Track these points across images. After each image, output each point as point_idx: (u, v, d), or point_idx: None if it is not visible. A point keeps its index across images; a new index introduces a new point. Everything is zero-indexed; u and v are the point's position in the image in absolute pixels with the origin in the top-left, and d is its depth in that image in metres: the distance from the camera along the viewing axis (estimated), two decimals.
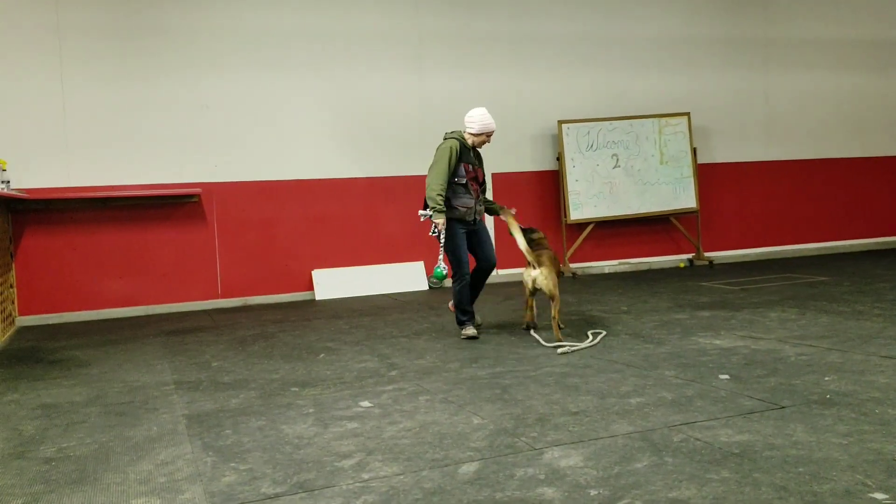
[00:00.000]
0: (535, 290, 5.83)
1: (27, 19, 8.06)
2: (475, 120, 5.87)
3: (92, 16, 8.27)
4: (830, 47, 11.57)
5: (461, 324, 6.06)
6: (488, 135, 5.92)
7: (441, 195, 5.75)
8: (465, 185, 5.87)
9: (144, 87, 8.46)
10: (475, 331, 5.98)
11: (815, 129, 11.56)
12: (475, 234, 6.06)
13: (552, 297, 5.66)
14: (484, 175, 6.11)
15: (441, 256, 5.79)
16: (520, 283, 6.51)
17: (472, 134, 5.93)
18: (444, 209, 5.79)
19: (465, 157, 5.87)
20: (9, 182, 7.64)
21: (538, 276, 5.70)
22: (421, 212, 5.90)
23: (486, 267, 6.09)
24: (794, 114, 11.46)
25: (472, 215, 5.95)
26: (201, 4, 8.67)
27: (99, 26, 8.29)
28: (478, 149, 6.06)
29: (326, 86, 9.18)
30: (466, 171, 5.88)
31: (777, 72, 11.33)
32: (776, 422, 3.51)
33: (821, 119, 11.59)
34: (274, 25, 8.93)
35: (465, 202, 5.89)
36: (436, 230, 5.81)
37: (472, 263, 6.09)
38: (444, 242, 5.82)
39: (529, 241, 5.84)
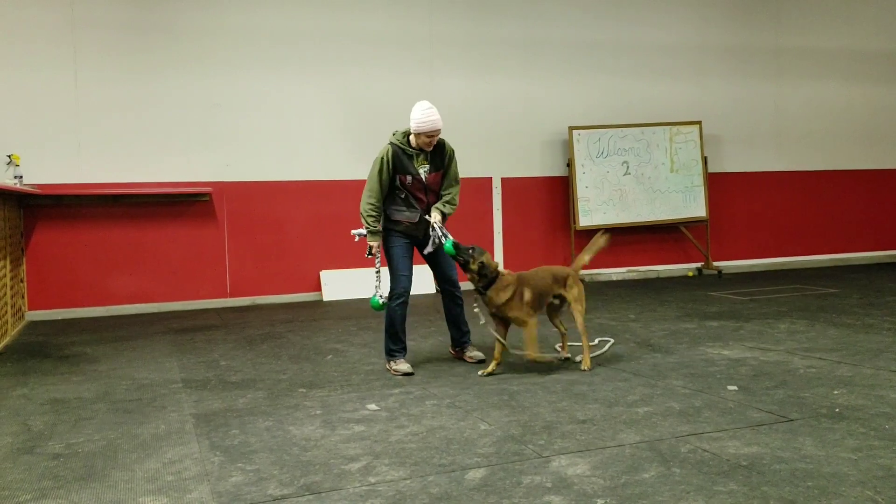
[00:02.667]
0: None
1: (42, 17, 8.10)
2: (412, 117, 4.93)
3: (106, 13, 8.31)
4: (842, 57, 11.53)
5: (390, 354, 5.12)
6: (429, 135, 4.92)
7: (372, 214, 5.02)
8: (405, 199, 5.07)
9: (157, 85, 8.50)
10: (408, 366, 5.03)
11: (826, 140, 11.52)
12: (431, 252, 5.14)
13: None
14: (444, 178, 5.14)
15: (377, 284, 5.11)
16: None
17: (413, 134, 5.01)
18: (377, 229, 5.05)
19: (402, 165, 4.99)
20: (21, 177, 7.70)
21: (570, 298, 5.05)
22: (353, 231, 5.20)
23: (448, 290, 5.28)
24: (805, 124, 11.43)
25: (419, 231, 5.11)
26: (215, 4, 8.70)
27: (113, 24, 8.34)
28: (426, 149, 5.04)
29: (338, 87, 9.20)
30: (403, 182, 5.03)
31: (788, 81, 11.30)
32: (785, 435, 3.50)
33: (832, 129, 11.54)
34: (287, 26, 8.96)
35: (407, 216, 5.08)
36: (370, 252, 5.10)
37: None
38: (379, 258, 5.13)
39: (489, 266, 4.83)
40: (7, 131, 7.93)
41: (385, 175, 5.03)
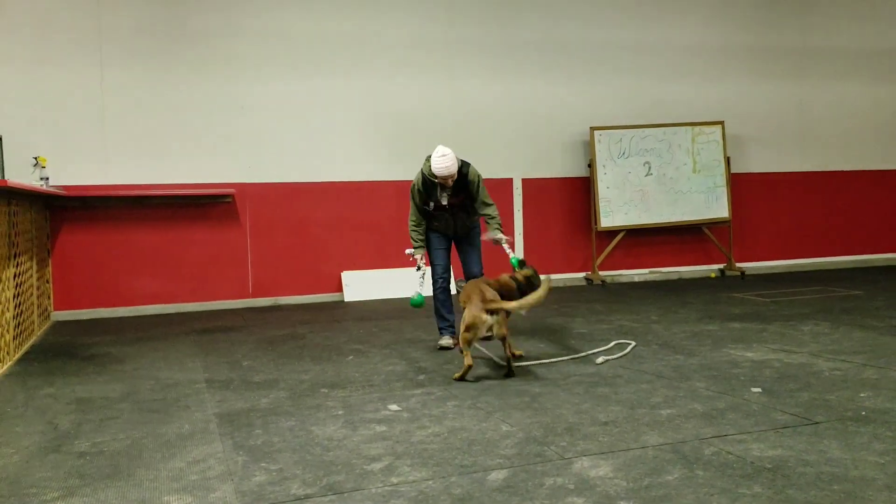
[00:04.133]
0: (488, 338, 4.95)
1: (69, 20, 8.21)
2: (430, 162, 5.60)
3: (132, 17, 8.41)
4: (867, 57, 11.39)
5: (439, 331, 6.05)
6: (443, 178, 5.56)
7: (416, 231, 5.84)
8: (433, 215, 5.84)
9: (182, 88, 8.58)
10: (448, 341, 5.87)
11: (850, 140, 11.39)
12: (459, 243, 5.97)
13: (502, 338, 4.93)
14: (469, 195, 5.76)
15: (419, 285, 5.71)
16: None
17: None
18: (421, 245, 5.84)
19: (428, 193, 5.73)
20: (48, 179, 7.80)
21: (493, 322, 4.80)
22: (408, 251, 5.95)
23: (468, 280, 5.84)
24: (829, 124, 11.30)
25: (450, 230, 5.88)
26: (240, 8, 8.77)
27: (139, 27, 8.43)
28: (445, 185, 5.66)
29: (360, 90, 9.23)
30: (427, 205, 5.79)
31: (813, 81, 11.19)
32: (810, 437, 3.46)
33: (857, 130, 11.41)
34: (310, 30, 9.01)
35: (439, 225, 5.87)
36: (419, 266, 5.82)
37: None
38: (424, 266, 5.87)
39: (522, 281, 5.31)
40: (34, 133, 8.05)
41: (419, 199, 5.81)
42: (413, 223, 5.87)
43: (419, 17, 9.45)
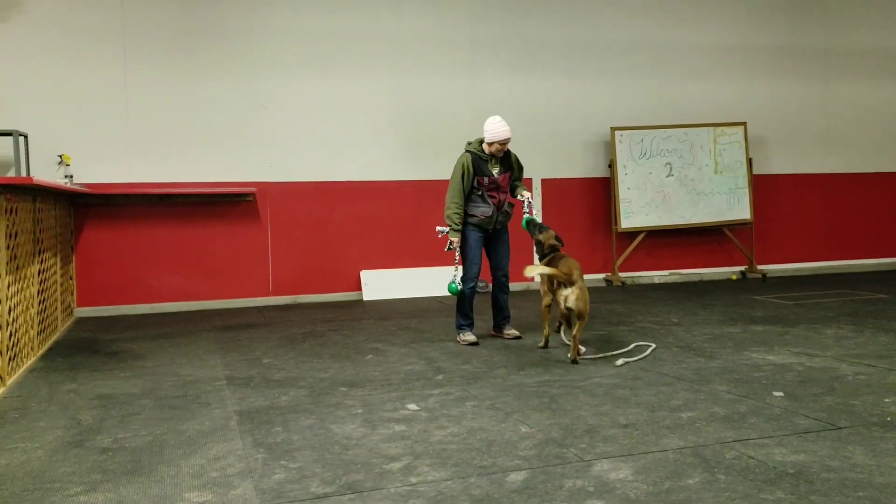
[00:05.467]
0: (568, 311, 5.31)
1: (93, 19, 8.29)
2: (486, 129, 5.95)
3: (155, 16, 8.48)
4: (893, 57, 11.25)
5: (459, 328, 6.19)
6: (501, 143, 5.93)
7: (457, 213, 5.97)
8: (481, 196, 6.01)
9: (204, 87, 8.64)
10: (474, 337, 6.09)
11: (875, 141, 11.25)
12: (491, 240, 6.16)
13: (581, 316, 5.25)
14: (513, 177, 6.15)
15: (455, 273, 5.99)
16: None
17: (486, 143, 6.01)
18: (460, 228, 5.98)
19: (480, 168, 5.98)
20: (72, 176, 7.88)
21: (570, 294, 5.25)
22: (439, 228, 6.07)
23: (497, 276, 6.18)
24: (853, 125, 11.17)
25: (490, 224, 6.06)
26: (261, 7, 8.82)
27: (161, 26, 8.49)
28: (497, 155, 6.02)
29: (380, 89, 9.25)
30: (481, 182, 5.99)
31: (837, 81, 11.06)
32: (833, 443, 3.42)
33: (882, 131, 11.26)
34: (330, 28, 9.03)
35: (483, 211, 6.01)
36: (451, 246, 5.99)
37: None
38: (459, 250, 6.07)
39: (544, 244, 5.80)
40: (58, 132, 8.13)
41: (467, 178, 5.98)
42: (456, 205, 5.97)
43: (441, 17, 9.45)
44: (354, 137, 9.17)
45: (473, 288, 6.10)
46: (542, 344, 5.81)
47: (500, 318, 6.27)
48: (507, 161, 6.12)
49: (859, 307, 7.49)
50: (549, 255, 5.72)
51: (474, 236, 6.06)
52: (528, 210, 6.06)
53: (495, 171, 6.03)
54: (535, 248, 5.97)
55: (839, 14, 11.03)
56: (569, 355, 5.33)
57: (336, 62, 9.07)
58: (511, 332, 6.25)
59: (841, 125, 11.11)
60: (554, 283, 5.42)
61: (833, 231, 11.09)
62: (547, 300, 5.65)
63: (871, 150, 11.24)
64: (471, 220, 6.04)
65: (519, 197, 6.14)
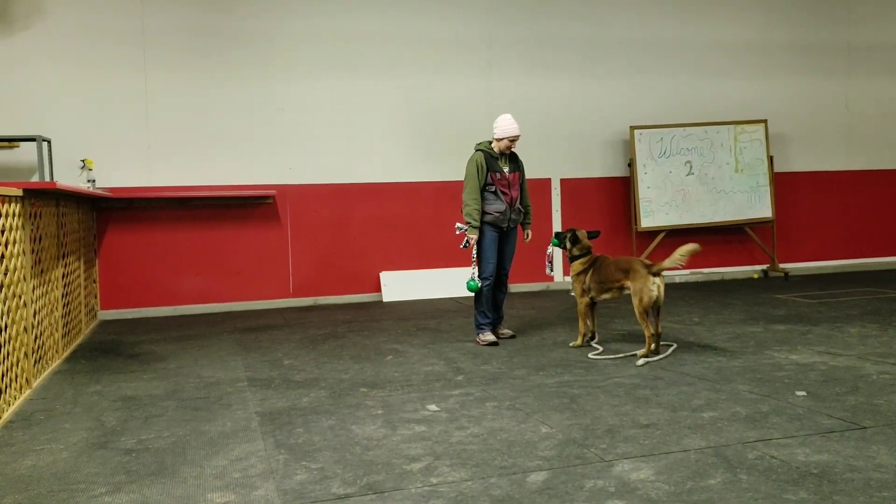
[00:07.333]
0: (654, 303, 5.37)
1: (114, 24, 8.38)
2: (497, 125, 6.12)
3: (175, 20, 8.55)
4: None
5: (479, 328, 6.24)
6: (511, 139, 6.08)
7: (477, 209, 6.07)
8: (494, 192, 6.11)
9: (224, 90, 8.71)
10: (494, 337, 6.18)
11: None
12: (502, 241, 6.26)
13: (658, 309, 5.39)
14: (521, 178, 6.29)
15: (474, 271, 6.11)
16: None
17: (496, 140, 6.14)
18: (479, 226, 6.08)
19: (491, 166, 6.12)
20: (94, 181, 7.98)
21: (662, 285, 5.37)
22: (458, 225, 6.21)
23: (498, 274, 6.26)
24: (876, 122, 11.04)
25: (504, 221, 6.16)
26: (279, 10, 8.87)
27: (181, 30, 8.57)
28: (506, 153, 6.18)
29: (398, 90, 9.27)
30: (494, 179, 6.11)
31: (859, 78, 10.93)
32: (857, 442, 3.39)
33: None
34: (348, 31, 9.07)
35: (497, 207, 6.11)
36: (468, 243, 6.10)
37: None
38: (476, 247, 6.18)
39: (584, 246, 5.97)
40: (81, 137, 8.23)
41: (481, 175, 6.08)
42: (475, 201, 6.07)
43: (458, 17, 9.45)
44: (373, 139, 9.20)
45: (490, 286, 6.17)
46: (577, 342, 5.87)
47: (496, 316, 6.34)
48: (516, 161, 6.28)
49: (883, 305, 7.40)
50: (582, 256, 5.90)
51: (490, 235, 6.14)
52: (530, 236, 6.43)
53: (506, 168, 6.17)
54: (569, 257, 6.02)
55: (862, 9, 10.90)
56: (639, 353, 5.37)
57: (353, 64, 9.10)
58: (505, 331, 6.37)
59: (863, 122, 10.98)
60: (607, 282, 5.62)
61: (856, 228, 10.96)
62: (586, 300, 5.78)
63: (893, 146, 11.09)
64: (486, 217, 6.12)
65: (528, 237, 6.43)
